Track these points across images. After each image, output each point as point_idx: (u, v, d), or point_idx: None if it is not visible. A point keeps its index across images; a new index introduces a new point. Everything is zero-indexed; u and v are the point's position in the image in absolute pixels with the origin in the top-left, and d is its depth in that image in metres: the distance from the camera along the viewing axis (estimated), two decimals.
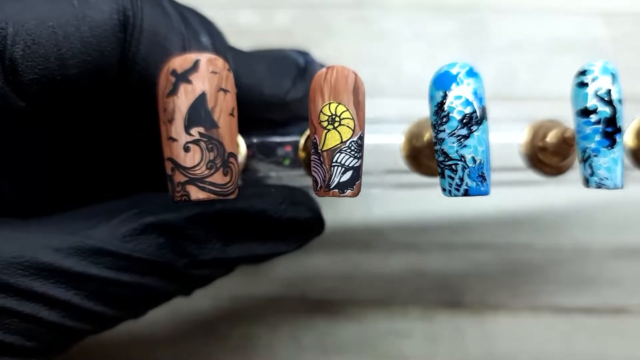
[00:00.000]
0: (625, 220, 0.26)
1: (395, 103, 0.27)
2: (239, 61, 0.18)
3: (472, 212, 0.26)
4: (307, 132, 0.19)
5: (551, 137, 0.18)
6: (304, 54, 0.20)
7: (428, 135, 0.18)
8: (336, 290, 0.26)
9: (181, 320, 0.26)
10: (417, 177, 0.20)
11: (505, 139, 0.19)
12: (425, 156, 0.19)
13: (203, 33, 0.17)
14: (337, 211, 0.26)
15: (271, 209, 0.18)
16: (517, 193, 0.26)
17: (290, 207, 0.18)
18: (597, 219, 0.26)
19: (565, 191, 0.26)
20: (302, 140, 0.19)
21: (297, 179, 0.19)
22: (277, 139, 0.19)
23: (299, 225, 0.18)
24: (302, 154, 0.19)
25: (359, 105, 0.15)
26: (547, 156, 0.19)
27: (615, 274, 0.26)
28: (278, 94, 0.18)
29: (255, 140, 0.19)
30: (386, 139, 0.20)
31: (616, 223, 0.26)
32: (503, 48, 0.27)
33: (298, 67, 0.19)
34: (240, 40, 0.21)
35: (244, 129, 0.19)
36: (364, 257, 0.26)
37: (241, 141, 0.19)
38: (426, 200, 0.26)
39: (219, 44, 0.18)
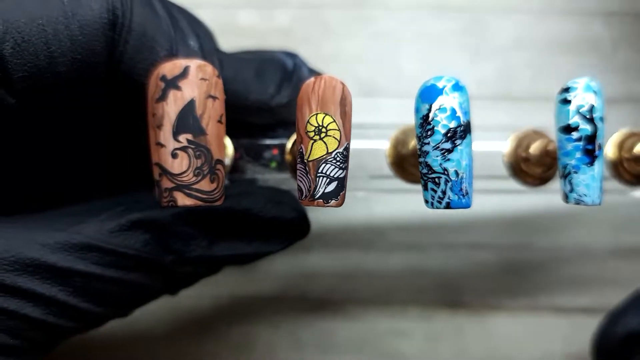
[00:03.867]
0: (625, 220, 0.26)
1: (395, 103, 0.27)
2: (225, 66, 0.18)
3: (472, 212, 0.26)
4: (295, 136, 0.19)
5: (534, 149, 0.19)
6: (293, 56, 0.20)
7: (413, 143, 0.18)
8: (336, 290, 0.26)
9: (181, 318, 0.26)
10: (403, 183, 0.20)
11: (490, 147, 0.20)
12: (410, 164, 0.19)
13: (191, 36, 0.17)
14: (337, 211, 0.26)
15: (256, 207, 0.18)
16: (517, 193, 0.26)
17: (275, 207, 0.18)
18: (597, 219, 0.26)
19: None
20: (289, 144, 0.19)
21: (284, 182, 0.20)
22: (265, 142, 0.19)
23: (284, 225, 0.18)
24: (288, 158, 0.19)
25: (345, 116, 0.15)
26: (530, 167, 0.19)
27: (615, 274, 0.26)
28: (263, 99, 0.18)
29: (242, 142, 0.19)
30: (373, 144, 0.20)
31: (616, 223, 0.26)
32: (503, 48, 0.27)
33: (285, 71, 0.19)
34: (240, 40, 0.21)
35: (231, 133, 0.19)
36: (365, 257, 0.26)
37: (229, 143, 0.19)
38: None
39: (206, 48, 0.17)
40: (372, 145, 0.20)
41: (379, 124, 0.20)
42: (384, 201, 0.26)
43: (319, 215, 0.26)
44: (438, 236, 0.26)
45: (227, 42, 0.20)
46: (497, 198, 0.26)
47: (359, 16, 0.27)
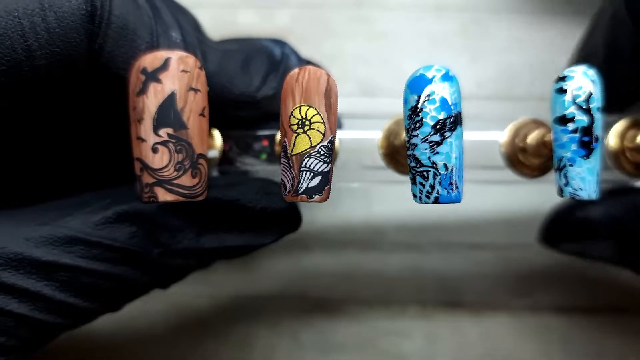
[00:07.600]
0: None
1: (396, 103, 0.27)
2: (209, 58, 0.17)
3: (472, 212, 0.26)
4: None
5: (531, 139, 0.18)
6: (282, 45, 0.19)
7: None
8: (336, 289, 0.26)
9: (180, 318, 0.26)
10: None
11: (487, 137, 0.19)
12: (403, 155, 0.18)
13: (174, 27, 0.17)
14: (337, 210, 0.26)
15: (245, 198, 0.17)
16: (517, 192, 0.26)
17: (264, 197, 0.18)
18: None
19: None
20: (278, 136, 0.19)
21: (274, 173, 0.19)
22: (254, 133, 0.19)
23: (274, 216, 0.18)
24: (278, 149, 0.19)
25: (330, 108, 0.15)
26: (527, 157, 0.19)
27: (615, 274, 0.26)
28: (248, 91, 0.18)
29: (232, 134, 0.19)
30: (368, 135, 0.19)
31: None
32: (503, 48, 0.27)
33: (272, 62, 0.19)
34: None
35: (220, 125, 0.19)
36: (364, 256, 0.26)
37: (217, 134, 0.19)
38: None
39: (189, 40, 0.17)
40: (366, 135, 0.19)
41: (372, 114, 0.20)
42: (383, 201, 0.26)
43: (318, 215, 0.26)
44: (438, 236, 0.26)
45: None
46: (496, 197, 0.26)
47: (359, 16, 0.27)
